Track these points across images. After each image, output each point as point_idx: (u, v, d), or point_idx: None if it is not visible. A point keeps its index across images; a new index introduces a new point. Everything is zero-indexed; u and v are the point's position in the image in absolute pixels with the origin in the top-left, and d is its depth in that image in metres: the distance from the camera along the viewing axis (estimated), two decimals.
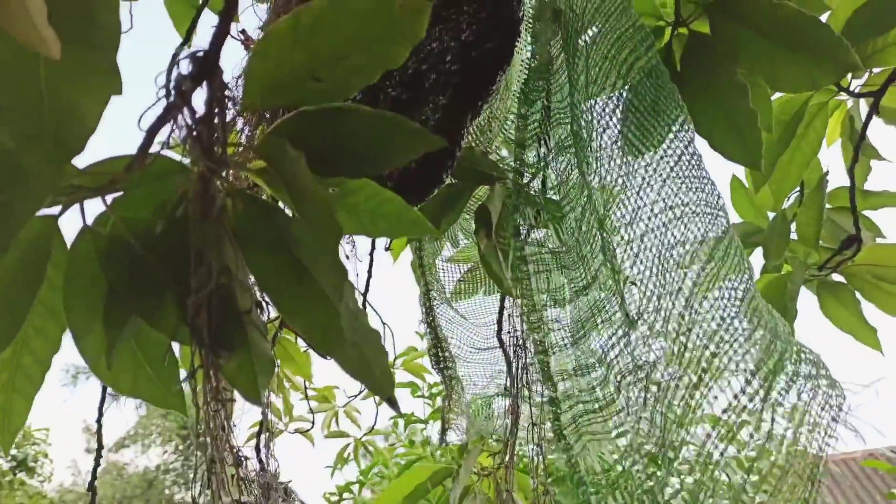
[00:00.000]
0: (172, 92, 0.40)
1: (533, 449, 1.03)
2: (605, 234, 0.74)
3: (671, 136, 0.73)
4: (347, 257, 1.94)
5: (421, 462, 1.77)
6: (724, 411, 0.59)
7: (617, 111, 0.76)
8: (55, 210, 0.45)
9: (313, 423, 2.41)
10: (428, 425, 3.06)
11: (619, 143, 0.76)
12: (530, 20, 0.93)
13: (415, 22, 0.48)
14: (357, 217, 0.61)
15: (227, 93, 0.43)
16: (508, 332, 1.27)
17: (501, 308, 1.24)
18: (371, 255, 1.48)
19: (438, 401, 2.90)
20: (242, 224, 0.50)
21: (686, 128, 0.73)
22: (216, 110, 0.42)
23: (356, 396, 2.43)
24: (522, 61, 0.94)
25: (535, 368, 1.13)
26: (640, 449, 0.65)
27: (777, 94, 1.13)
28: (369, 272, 1.53)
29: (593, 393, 0.70)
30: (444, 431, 1.03)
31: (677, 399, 0.61)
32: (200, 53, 0.41)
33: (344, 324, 0.49)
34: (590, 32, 0.81)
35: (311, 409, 2.38)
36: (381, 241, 1.69)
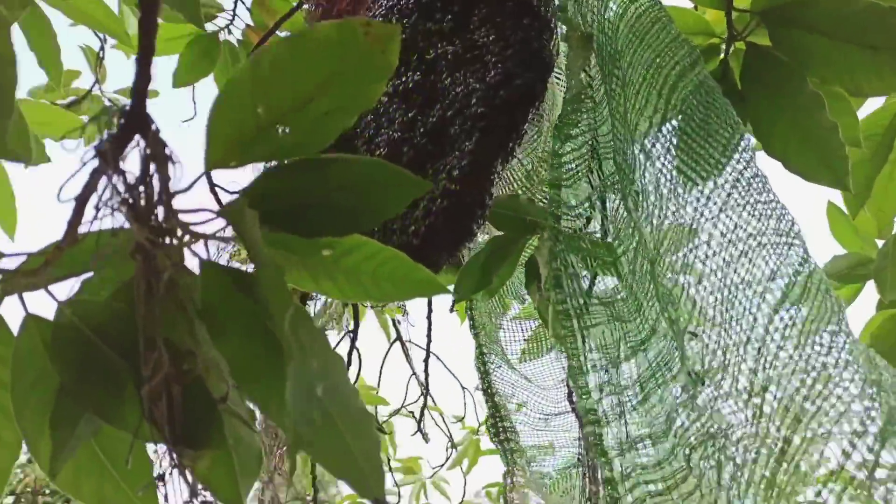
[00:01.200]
0: (96, 155, 0.35)
1: None
2: (658, 279, 0.64)
3: (726, 159, 0.63)
4: (397, 322, 1.88)
5: None
6: (822, 488, 0.46)
7: (661, 137, 0.67)
8: None
9: (400, 496, 2.32)
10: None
11: (666, 174, 0.66)
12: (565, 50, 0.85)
13: (384, 51, 0.41)
14: (357, 281, 0.54)
15: (167, 150, 0.37)
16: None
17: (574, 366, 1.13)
18: (429, 317, 1.41)
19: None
20: (209, 298, 0.44)
21: (744, 147, 0.63)
22: (153, 171, 0.37)
23: (442, 466, 2.33)
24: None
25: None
26: None
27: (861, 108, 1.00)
28: (428, 336, 1.46)
29: (658, 470, 0.59)
30: None
31: (757, 477, 0.49)
32: (126, 107, 0.36)
33: (334, 412, 0.41)
34: (626, 55, 0.72)
35: (395, 482, 2.29)
36: (442, 301, 1.61)
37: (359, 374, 1.71)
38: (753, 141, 0.71)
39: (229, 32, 1.55)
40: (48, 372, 0.42)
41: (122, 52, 1.96)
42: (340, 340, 1.19)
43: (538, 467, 1.08)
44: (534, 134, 0.95)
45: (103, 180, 0.35)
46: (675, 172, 0.66)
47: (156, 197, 0.37)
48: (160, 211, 0.38)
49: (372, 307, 2.18)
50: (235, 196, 0.45)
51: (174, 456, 0.44)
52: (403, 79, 0.87)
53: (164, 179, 0.38)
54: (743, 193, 0.61)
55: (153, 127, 0.37)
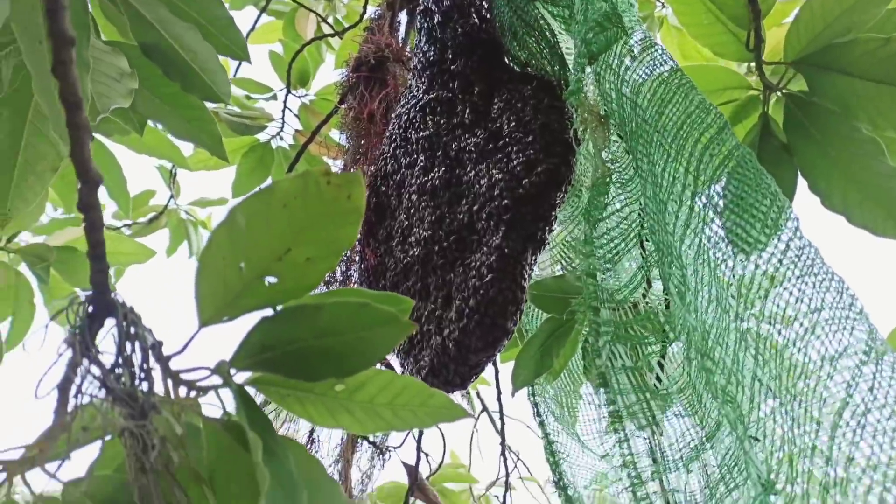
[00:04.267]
0: (69, 346, 0.35)
1: None
2: (713, 373, 0.58)
3: (768, 232, 0.57)
4: (463, 396, 1.83)
5: None
6: None
7: (694, 218, 0.62)
8: None
9: None
10: None
11: (702, 256, 0.61)
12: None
13: (350, 197, 0.40)
14: (375, 413, 0.52)
15: (138, 329, 0.37)
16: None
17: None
18: (499, 399, 1.36)
19: None
20: (212, 454, 0.43)
21: (787, 217, 0.57)
22: (129, 352, 0.37)
23: (494, 483, 2.23)
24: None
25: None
26: None
27: None
28: (501, 420, 1.41)
29: None
30: None
31: None
32: (90, 296, 0.36)
33: None
34: (648, 129, 0.69)
35: None
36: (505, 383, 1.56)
37: (444, 453, 1.67)
38: (795, 211, 0.65)
39: (281, 139, 1.61)
40: None
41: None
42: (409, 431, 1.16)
43: None
44: (571, 214, 0.91)
45: (80, 369, 0.35)
46: (711, 254, 0.61)
47: (139, 373, 0.37)
48: (144, 385, 0.38)
49: None
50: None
51: None
52: (430, 175, 0.87)
53: (147, 358, 0.37)
54: (793, 268, 0.55)
55: (124, 307, 0.37)
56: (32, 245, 1.12)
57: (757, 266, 0.55)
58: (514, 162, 0.77)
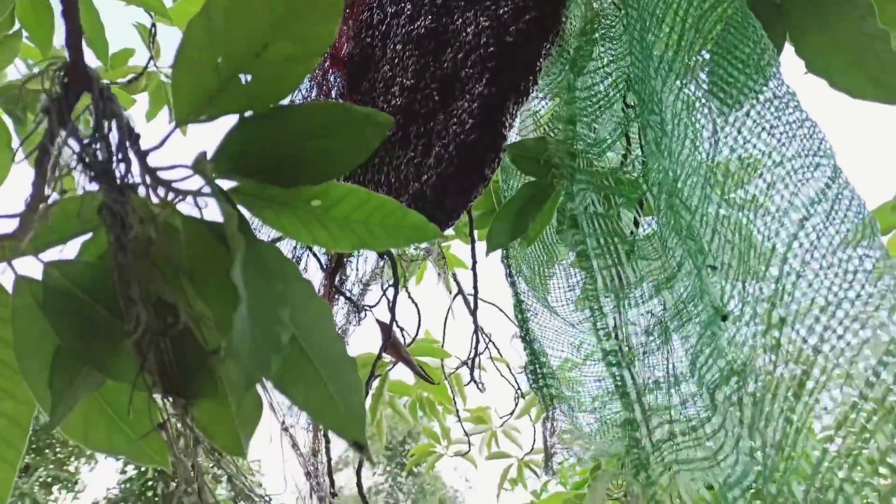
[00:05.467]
0: (44, 117, 0.35)
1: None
2: (680, 213, 0.60)
3: (755, 83, 0.58)
4: (440, 274, 1.87)
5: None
6: (840, 425, 0.43)
7: (683, 64, 0.62)
8: None
9: (470, 444, 2.35)
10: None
11: (690, 102, 0.61)
12: None
13: None
14: (350, 229, 0.53)
15: (114, 107, 0.37)
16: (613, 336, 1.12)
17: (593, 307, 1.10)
18: (473, 269, 1.39)
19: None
20: (193, 253, 0.45)
21: (774, 72, 0.57)
22: (107, 126, 0.37)
23: (510, 415, 2.34)
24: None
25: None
26: (743, 479, 0.50)
27: None
28: (475, 286, 1.44)
29: (682, 409, 0.56)
30: (547, 459, 0.91)
31: (776, 412, 0.46)
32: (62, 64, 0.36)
33: (282, 332, 0.41)
34: None
35: (465, 431, 2.32)
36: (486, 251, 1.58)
37: (418, 327, 1.72)
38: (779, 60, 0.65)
39: None
40: (48, 332, 0.44)
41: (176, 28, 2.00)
42: (384, 293, 1.20)
43: (577, 414, 1.07)
44: (559, 72, 0.91)
45: (58, 141, 0.35)
46: (699, 101, 0.62)
47: (115, 153, 0.37)
48: (122, 168, 0.39)
49: (433, 262, 2.20)
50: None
51: (177, 404, 0.45)
52: (416, 24, 0.85)
53: (125, 135, 0.38)
54: (770, 119, 0.56)
55: (99, 83, 0.37)
56: (6, 85, 1.09)
57: (734, 108, 0.56)
58: (503, 9, 0.75)
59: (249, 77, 0.43)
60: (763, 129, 0.56)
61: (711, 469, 0.52)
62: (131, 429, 0.48)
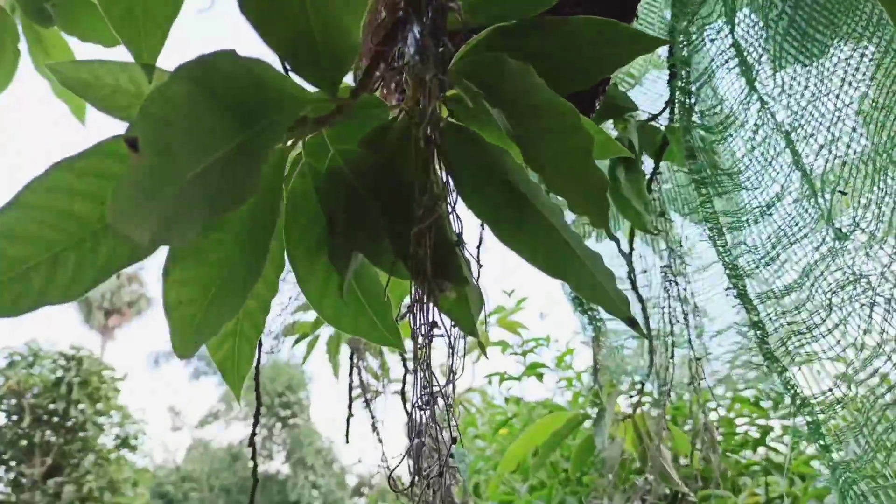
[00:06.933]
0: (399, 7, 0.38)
1: (693, 386, 0.99)
2: (793, 147, 0.68)
3: (861, 26, 0.66)
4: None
5: (553, 413, 1.75)
6: None
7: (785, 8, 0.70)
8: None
9: (405, 383, 2.41)
10: (521, 382, 3.01)
11: (795, 46, 0.69)
12: None
13: None
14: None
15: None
16: (644, 272, 1.22)
17: (631, 249, 1.20)
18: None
19: (530, 357, 2.87)
20: (452, 153, 0.48)
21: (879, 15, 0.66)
22: (438, 18, 0.40)
23: (451, 354, 2.43)
24: None
25: (680, 307, 1.09)
26: (863, 368, 0.60)
27: None
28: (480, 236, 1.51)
29: (798, 313, 0.65)
30: (596, 372, 1.01)
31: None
32: None
33: (574, 246, 0.46)
34: None
35: (406, 369, 2.39)
36: None
37: None
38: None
39: None
40: (317, 216, 0.46)
41: None
42: None
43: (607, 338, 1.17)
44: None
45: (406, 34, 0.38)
46: (802, 45, 0.70)
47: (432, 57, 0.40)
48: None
49: None
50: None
51: (430, 289, 0.49)
52: None
53: (443, 25, 0.40)
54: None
55: None
56: None
57: (853, 53, 0.64)
58: None
59: None
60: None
61: (830, 360, 0.62)
62: (375, 312, 0.51)
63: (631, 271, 1.17)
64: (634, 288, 1.17)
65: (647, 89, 1.10)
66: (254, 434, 0.90)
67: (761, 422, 2.12)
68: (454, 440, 0.62)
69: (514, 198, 0.47)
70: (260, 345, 0.71)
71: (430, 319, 0.52)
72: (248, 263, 0.41)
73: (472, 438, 3.09)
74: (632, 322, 0.46)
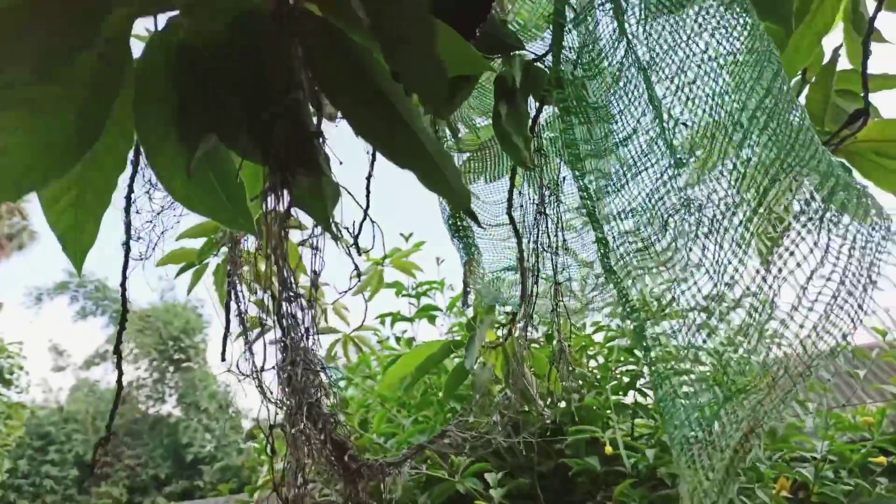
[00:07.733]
0: None
1: (553, 314, 1.05)
2: (650, 85, 0.73)
3: None
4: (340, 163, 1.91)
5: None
6: (780, 232, 0.60)
7: None
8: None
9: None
10: (413, 324, 3.06)
11: None
12: None
13: None
14: None
15: None
16: (520, 208, 1.28)
17: (512, 185, 1.25)
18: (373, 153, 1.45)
19: (423, 300, 2.92)
20: (314, 46, 0.49)
21: None
22: None
23: (346, 293, 2.46)
24: None
25: (548, 242, 1.15)
26: (689, 279, 0.67)
27: None
28: (371, 165, 1.51)
29: (639, 233, 0.71)
30: (465, 295, 1.05)
31: (733, 227, 0.62)
32: None
33: (425, 141, 0.49)
34: None
35: (302, 305, 2.39)
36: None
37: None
38: None
39: None
40: (169, 94, 0.46)
41: None
42: None
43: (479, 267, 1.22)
44: None
45: None
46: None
47: None
48: None
49: None
50: None
51: (282, 175, 0.50)
52: None
53: None
54: (730, 18, 0.70)
55: None
56: None
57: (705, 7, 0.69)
58: None
59: None
60: (724, 25, 0.71)
61: (661, 273, 0.69)
62: (228, 196, 0.51)
63: (510, 207, 1.22)
64: (512, 222, 1.22)
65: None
66: (120, 337, 0.89)
67: (632, 367, 2.28)
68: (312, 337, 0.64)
69: (376, 95, 0.49)
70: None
71: (285, 209, 0.53)
72: (85, 123, 0.41)
73: (363, 378, 3.12)
74: (470, 214, 0.49)
